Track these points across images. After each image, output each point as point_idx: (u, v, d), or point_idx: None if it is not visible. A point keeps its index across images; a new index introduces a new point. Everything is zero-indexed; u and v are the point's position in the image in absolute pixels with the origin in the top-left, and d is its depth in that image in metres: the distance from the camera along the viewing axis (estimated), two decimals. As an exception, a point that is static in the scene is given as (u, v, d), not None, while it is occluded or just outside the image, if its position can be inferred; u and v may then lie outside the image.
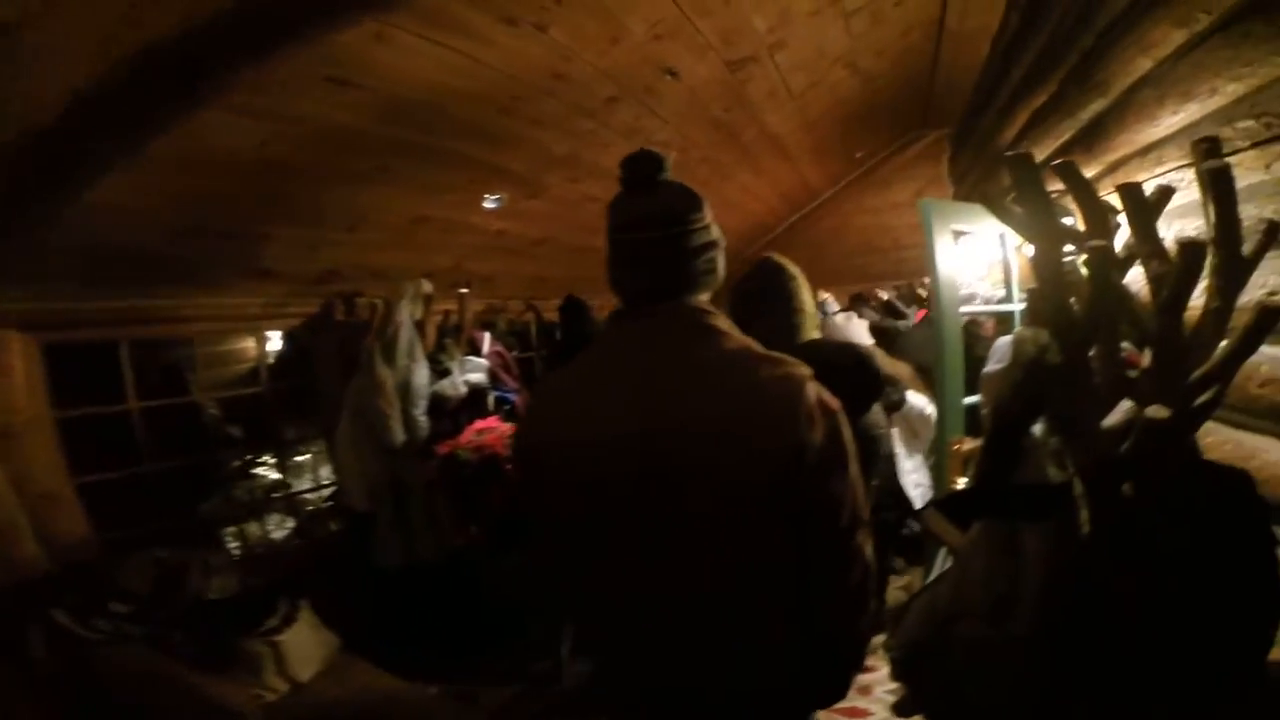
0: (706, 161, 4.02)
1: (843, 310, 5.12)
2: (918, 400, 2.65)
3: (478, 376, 3.10)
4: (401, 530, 2.86)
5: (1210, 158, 0.86)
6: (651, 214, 0.99)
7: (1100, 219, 1.11)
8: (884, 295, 4.86)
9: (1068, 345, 0.95)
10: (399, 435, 2.75)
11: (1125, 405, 0.97)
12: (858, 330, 2.64)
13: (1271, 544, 0.83)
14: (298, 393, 3.40)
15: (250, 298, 2.87)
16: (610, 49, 2.49)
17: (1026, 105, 2.46)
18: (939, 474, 2.55)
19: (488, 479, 2.61)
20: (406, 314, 2.90)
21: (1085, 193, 1.10)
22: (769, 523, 0.92)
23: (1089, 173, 1.78)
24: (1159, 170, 1.60)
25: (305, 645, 2.27)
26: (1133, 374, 1.05)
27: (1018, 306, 2.74)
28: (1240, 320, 0.81)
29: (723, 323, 1.01)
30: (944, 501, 1.32)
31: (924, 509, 1.33)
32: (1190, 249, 0.82)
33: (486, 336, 3.65)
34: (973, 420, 2.54)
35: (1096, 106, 1.88)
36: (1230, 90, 1.27)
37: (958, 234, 2.49)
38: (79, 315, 2.35)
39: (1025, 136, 2.54)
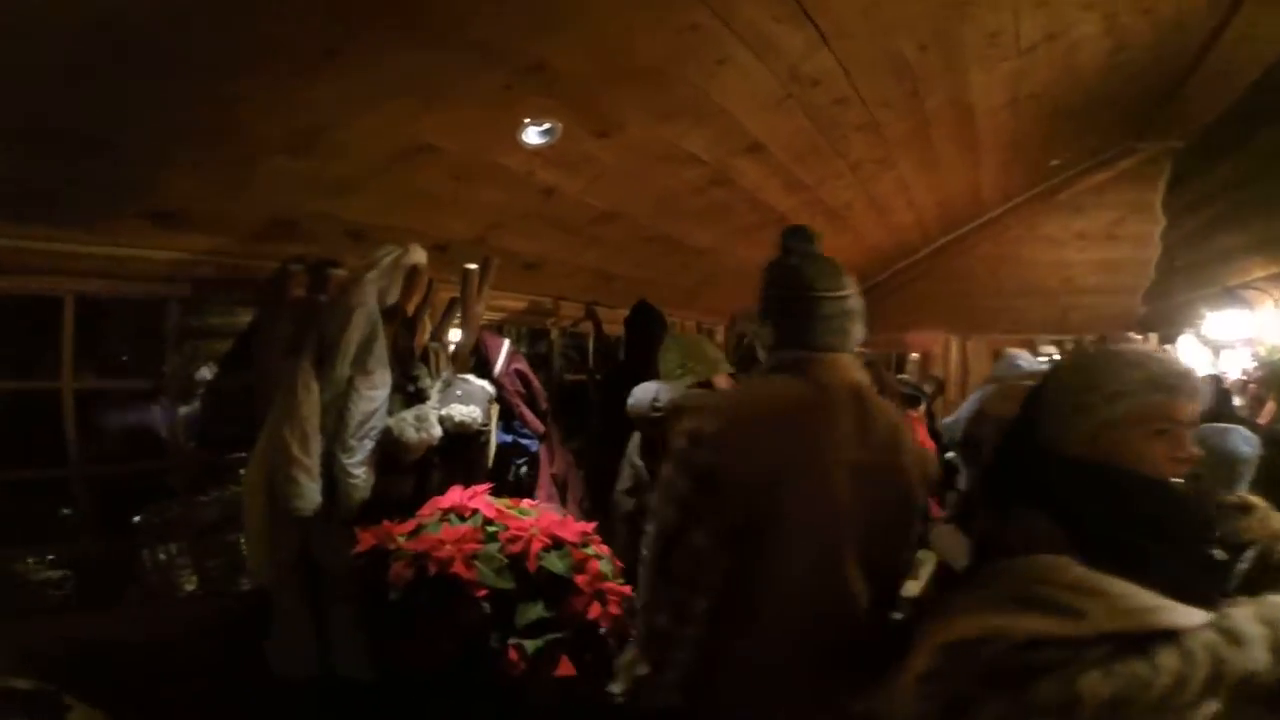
0: (865, 129, 2.73)
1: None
2: None
3: (468, 412, 1.92)
4: (311, 629, 1.82)
5: None
6: (839, 279, 1.18)
7: None
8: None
9: None
10: (311, 495, 1.67)
11: None
12: None
13: None
14: (242, 392, 2.41)
15: (151, 250, 1.88)
16: None
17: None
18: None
19: (433, 605, 1.45)
20: (372, 295, 1.83)
21: None
22: (913, 538, 1.21)
23: None
24: None
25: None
26: None
27: None
28: None
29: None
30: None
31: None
32: None
33: (504, 345, 2.45)
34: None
35: None
36: None
37: None
38: None
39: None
